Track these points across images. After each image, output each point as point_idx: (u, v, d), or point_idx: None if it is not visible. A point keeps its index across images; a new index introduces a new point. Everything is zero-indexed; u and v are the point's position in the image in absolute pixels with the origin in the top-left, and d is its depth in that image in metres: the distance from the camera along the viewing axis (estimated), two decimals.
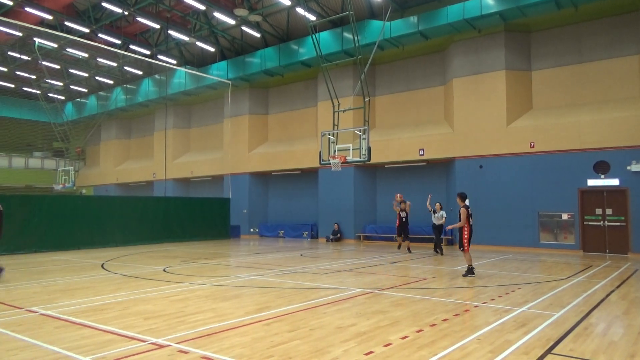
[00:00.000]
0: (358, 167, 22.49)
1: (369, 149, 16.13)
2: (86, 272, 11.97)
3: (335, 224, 23.06)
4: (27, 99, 36.25)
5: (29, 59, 28.85)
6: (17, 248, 17.08)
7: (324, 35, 22.11)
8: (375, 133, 21.77)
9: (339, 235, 22.91)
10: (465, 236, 10.77)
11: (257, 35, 24.72)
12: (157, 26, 24.20)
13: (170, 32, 24.73)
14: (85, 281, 10.49)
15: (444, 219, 16.12)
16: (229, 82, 25.82)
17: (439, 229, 16.17)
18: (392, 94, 22.79)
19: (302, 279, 10.41)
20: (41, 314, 7.07)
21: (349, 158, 16.70)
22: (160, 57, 27.42)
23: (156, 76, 30.37)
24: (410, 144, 20.96)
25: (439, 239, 16.28)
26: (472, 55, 19.49)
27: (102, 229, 19.85)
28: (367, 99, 16.91)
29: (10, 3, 20.89)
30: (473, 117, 19.29)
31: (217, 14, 22.05)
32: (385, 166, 22.74)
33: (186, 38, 25.04)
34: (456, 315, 6.82)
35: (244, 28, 24.01)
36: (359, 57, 17.22)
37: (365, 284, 9.70)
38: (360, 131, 16.63)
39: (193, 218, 23.75)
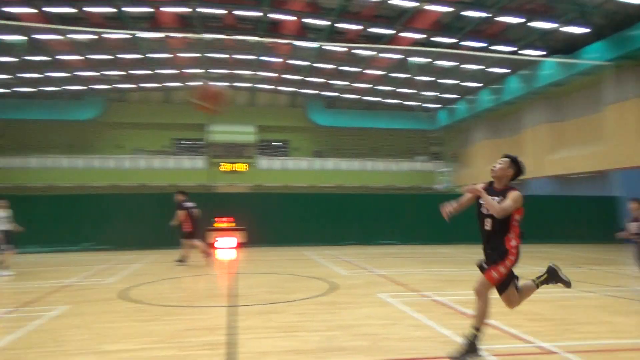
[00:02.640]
0: None
1: None
2: (466, 266, 12.77)
3: None
4: (408, 111, 41.98)
5: (409, 76, 33.23)
6: (412, 239, 20.38)
7: None
8: None
9: None
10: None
11: None
12: (520, 20, 23.55)
13: (533, 23, 23.63)
14: (466, 274, 11.21)
15: None
16: (609, 63, 22.39)
17: None
18: None
19: None
20: (432, 299, 7.99)
21: None
22: (523, 52, 26.54)
23: (521, 72, 29.54)
24: None
25: None
26: None
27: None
28: None
29: (392, 32, 24.87)
30: None
31: None
32: None
33: (552, 25, 23.32)
34: None
35: None
36: None
37: None
38: None
39: (571, 218, 21.83)
